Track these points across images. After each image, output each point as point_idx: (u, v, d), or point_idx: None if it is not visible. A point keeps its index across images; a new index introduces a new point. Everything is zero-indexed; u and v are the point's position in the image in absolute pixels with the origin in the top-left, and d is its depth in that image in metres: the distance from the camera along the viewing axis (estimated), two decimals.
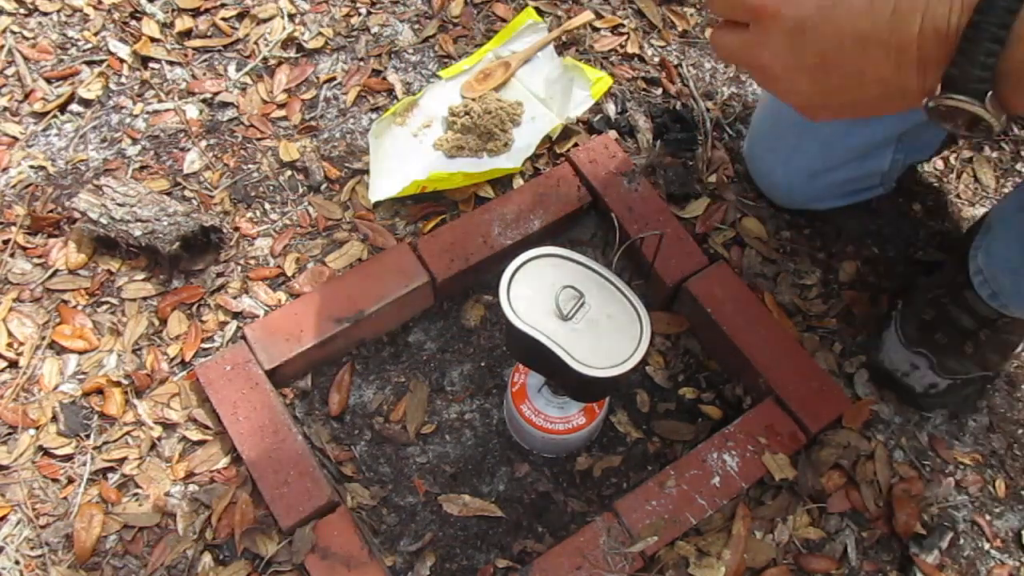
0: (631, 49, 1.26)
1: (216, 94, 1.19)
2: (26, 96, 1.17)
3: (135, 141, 1.15)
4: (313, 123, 1.17)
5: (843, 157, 1.02)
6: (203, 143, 1.15)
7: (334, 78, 1.21)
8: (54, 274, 1.05)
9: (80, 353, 1.01)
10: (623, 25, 1.28)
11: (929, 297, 1.00)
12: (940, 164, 1.19)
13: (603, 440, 1.00)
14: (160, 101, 1.18)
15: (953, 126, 0.49)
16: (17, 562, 0.90)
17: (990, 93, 0.45)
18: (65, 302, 1.03)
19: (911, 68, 0.48)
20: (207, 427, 0.97)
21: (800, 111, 0.55)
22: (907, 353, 0.99)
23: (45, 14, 1.24)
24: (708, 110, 1.20)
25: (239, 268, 1.07)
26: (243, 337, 0.97)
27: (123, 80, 1.20)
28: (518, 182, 1.13)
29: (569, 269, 0.83)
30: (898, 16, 0.47)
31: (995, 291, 0.92)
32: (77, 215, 1.04)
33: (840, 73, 0.50)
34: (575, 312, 0.77)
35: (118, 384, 0.98)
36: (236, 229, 1.09)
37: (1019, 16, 0.44)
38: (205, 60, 1.22)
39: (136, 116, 1.17)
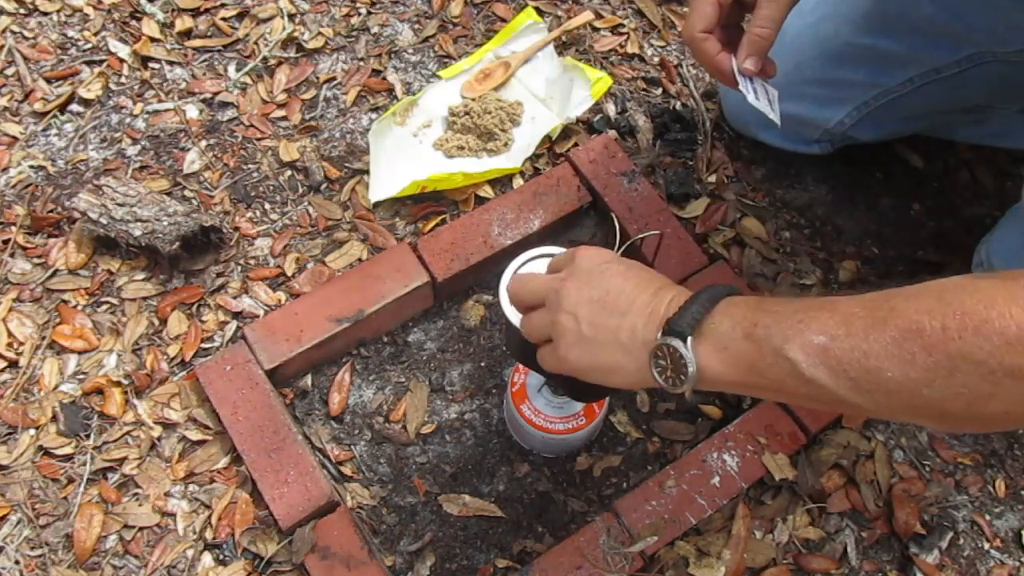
0: (631, 49, 1.26)
1: (216, 94, 1.19)
2: (26, 96, 1.17)
3: (135, 141, 1.15)
4: (313, 123, 1.17)
5: (805, 88, 1.02)
6: (203, 143, 1.15)
7: (334, 78, 1.21)
8: (54, 274, 1.05)
9: (80, 353, 1.01)
10: (623, 25, 1.28)
11: None
12: (940, 164, 1.19)
13: (603, 440, 1.00)
14: (160, 101, 1.18)
15: (661, 372, 0.62)
16: (17, 562, 0.90)
17: (690, 339, 0.60)
18: (65, 302, 1.03)
19: (654, 324, 0.63)
20: (207, 427, 0.97)
21: (566, 340, 0.67)
22: None
23: (45, 14, 1.24)
24: (708, 110, 1.19)
25: (239, 268, 1.07)
26: (243, 337, 0.97)
27: (123, 80, 1.20)
28: (518, 182, 1.13)
29: None
30: (661, 292, 0.65)
31: None
32: (77, 215, 1.04)
33: (610, 315, 0.65)
34: None
35: (118, 384, 0.98)
36: (236, 229, 1.09)
37: (723, 299, 0.62)
38: (205, 60, 1.22)
39: (136, 116, 1.17)
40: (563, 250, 0.80)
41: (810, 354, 0.55)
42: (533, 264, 0.78)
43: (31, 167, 1.12)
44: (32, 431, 0.96)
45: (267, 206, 1.12)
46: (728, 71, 0.79)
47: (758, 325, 0.58)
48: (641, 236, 0.91)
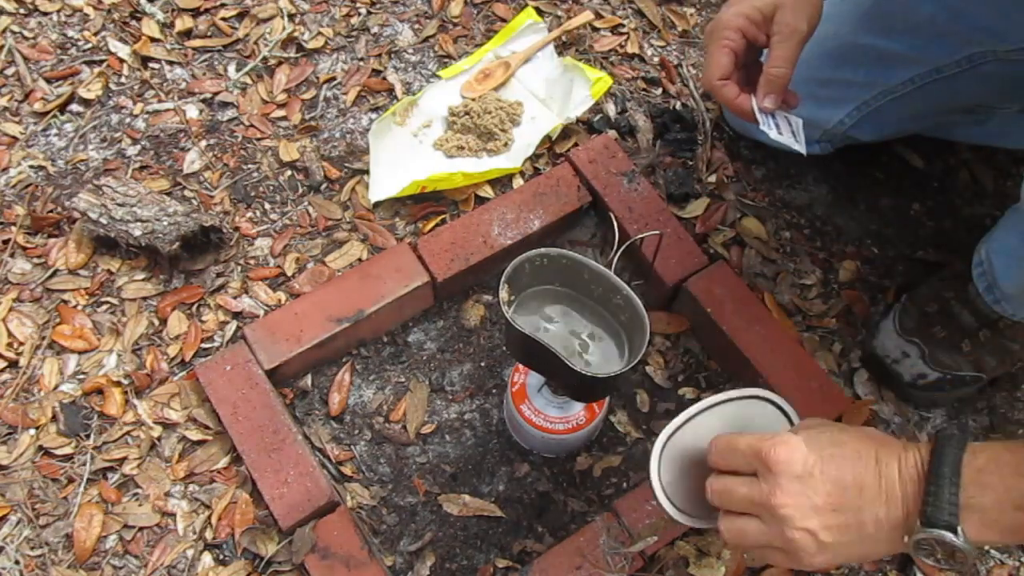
0: (631, 49, 1.26)
1: (216, 94, 1.19)
2: (26, 96, 1.17)
3: (135, 141, 1.15)
4: (313, 123, 1.17)
5: (805, 88, 1.01)
6: (203, 143, 1.15)
7: (334, 78, 1.21)
8: (54, 274, 1.05)
9: (80, 353, 1.01)
10: (623, 25, 1.28)
11: (934, 291, 1.00)
12: (940, 164, 1.19)
13: (603, 440, 1.00)
14: (160, 101, 1.18)
15: (935, 559, 0.59)
16: (17, 562, 0.90)
17: (960, 526, 0.56)
18: (65, 302, 1.03)
19: (897, 506, 0.59)
20: (207, 427, 0.97)
21: (809, 557, 0.62)
22: (899, 340, 0.99)
23: (45, 14, 1.24)
24: (708, 110, 1.19)
25: (239, 268, 1.07)
26: (243, 337, 0.97)
27: (123, 80, 1.20)
28: (518, 182, 1.13)
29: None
30: (882, 463, 0.60)
31: (990, 283, 0.92)
32: (77, 215, 1.04)
33: (844, 512, 0.60)
34: None
35: (118, 384, 0.98)
36: (236, 229, 1.09)
37: (964, 464, 0.57)
38: (205, 60, 1.22)
39: (136, 116, 1.17)
40: (563, 251, 0.80)
41: None
42: (693, 427, 0.73)
43: (31, 167, 1.12)
44: (32, 431, 0.96)
45: (267, 206, 1.12)
46: (749, 111, 0.80)
47: (1018, 492, 0.57)
48: (641, 236, 0.91)
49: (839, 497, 0.61)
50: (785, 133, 0.81)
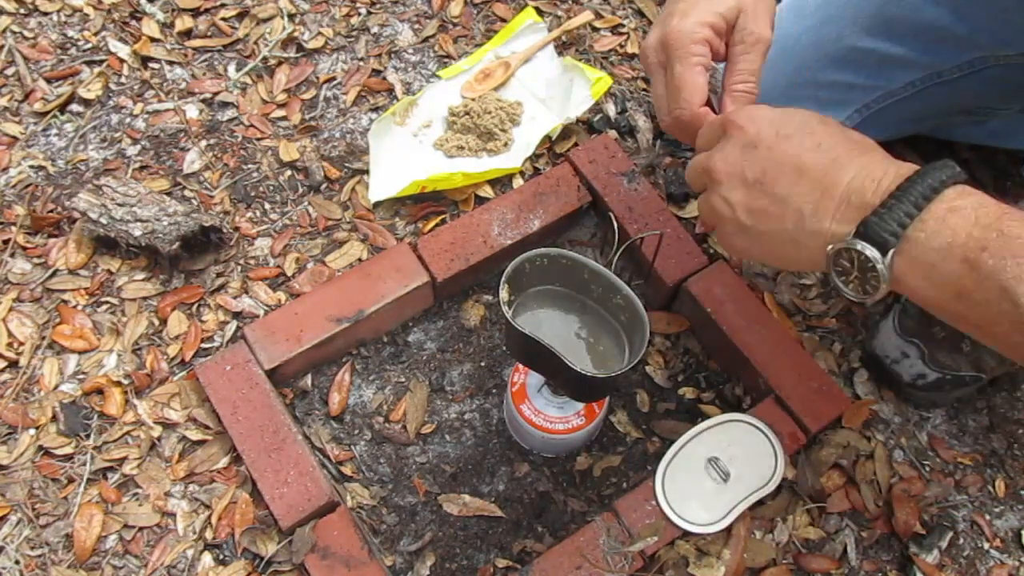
0: (631, 49, 1.26)
1: (216, 94, 1.19)
2: (26, 96, 1.17)
3: (135, 141, 1.15)
4: (313, 123, 1.17)
5: (806, 91, 1.01)
6: (203, 143, 1.15)
7: (334, 78, 1.21)
8: (54, 274, 1.05)
9: (80, 353, 1.01)
10: (623, 25, 1.28)
11: None
12: None
13: (603, 440, 1.00)
14: (160, 101, 1.18)
15: (844, 279, 0.53)
16: (17, 562, 0.90)
17: (892, 252, 0.50)
18: (65, 302, 1.03)
19: (828, 211, 0.53)
20: (207, 427, 0.97)
21: (721, 227, 0.60)
22: (899, 341, 0.99)
23: (45, 14, 1.24)
24: None
25: (239, 268, 1.07)
26: (243, 337, 0.97)
27: (123, 80, 1.20)
28: (518, 182, 1.13)
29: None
30: (836, 164, 0.53)
31: None
32: (77, 215, 1.04)
33: (770, 196, 0.55)
34: None
35: (118, 384, 0.98)
36: (236, 229, 1.09)
37: (940, 195, 0.50)
38: (205, 60, 1.22)
39: (136, 116, 1.17)
40: (563, 251, 0.80)
41: None
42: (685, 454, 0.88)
43: (31, 167, 1.12)
44: (32, 431, 0.96)
45: (267, 206, 1.12)
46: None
47: (987, 251, 0.48)
48: (641, 236, 0.91)
49: (772, 178, 0.55)
50: None
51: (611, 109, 1.20)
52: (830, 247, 0.54)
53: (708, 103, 0.70)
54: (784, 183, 0.54)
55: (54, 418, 0.97)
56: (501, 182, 1.13)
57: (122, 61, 1.21)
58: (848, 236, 0.52)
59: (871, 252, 0.51)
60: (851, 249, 0.52)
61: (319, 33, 1.24)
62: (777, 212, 0.55)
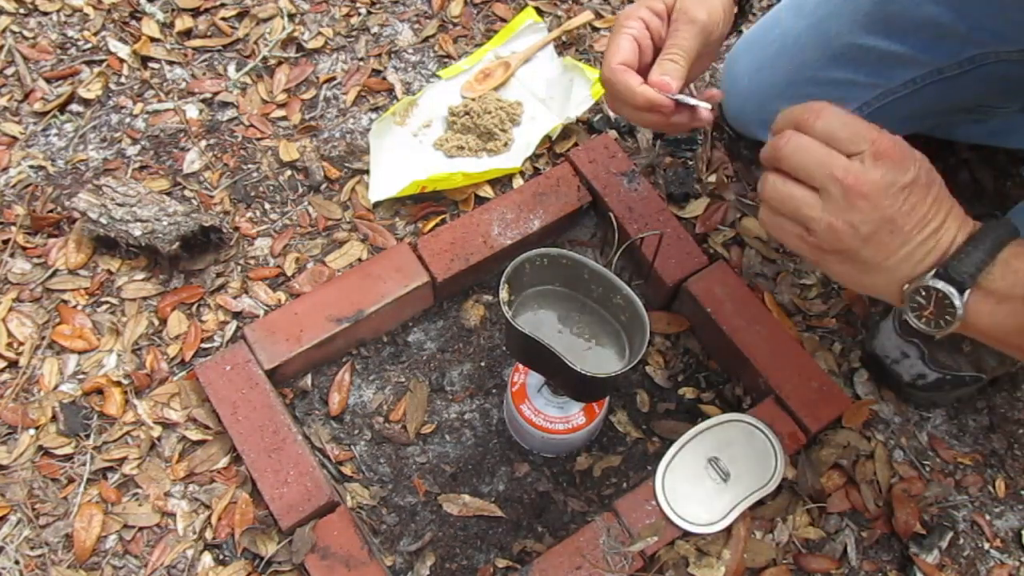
0: None
1: (216, 94, 1.19)
2: (26, 96, 1.17)
3: (135, 141, 1.15)
4: (313, 123, 1.17)
5: (806, 89, 1.01)
6: (203, 143, 1.15)
7: (334, 78, 1.21)
8: (54, 274, 1.05)
9: (80, 353, 1.01)
10: None
11: None
12: (940, 164, 1.19)
13: (603, 440, 1.00)
14: (160, 101, 1.18)
15: (918, 312, 0.62)
16: (17, 562, 0.90)
17: (968, 291, 0.59)
18: (65, 302, 1.03)
19: (921, 253, 0.61)
20: (207, 427, 0.97)
21: (829, 240, 0.62)
22: (899, 341, 0.99)
23: (45, 14, 1.24)
24: (708, 110, 1.19)
25: (239, 268, 1.07)
26: (243, 337, 0.97)
27: (123, 80, 1.20)
28: (518, 182, 1.13)
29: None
30: (946, 221, 0.61)
31: None
32: (77, 215, 1.04)
33: (895, 234, 0.60)
34: None
35: (118, 384, 0.98)
36: (236, 229, 1.09)
37: (1007, 245, 0.60)
38: (205, 60, 1.22)
39: (136, 116, 1.17)
40: (563, 251, 0.80)
41: None
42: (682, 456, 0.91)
43: (31, 167, 1.12)
44: (32, 431, 0.96)
45: (267, 206, 1.12)
46: (657, 97, 0.72)
47: None
48: (641, 236, 0.91)
49: (904, 220, 0.60)
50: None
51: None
52: (907, 286, 0.62)
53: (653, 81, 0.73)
54: (910, 227, 0.60)
55: (54, 418, 0.97)
56: (501, 182, 1.13)
57: (122, 61, 1.21)
58: (928, 276, 0.60)
59: (950, 290, 0.59)
60: (930, 287, 0.60)
61: (319, 33, 1.24)
62: (895, 246, 0.61)
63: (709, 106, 0.73)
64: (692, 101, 0.72)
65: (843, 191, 0.59)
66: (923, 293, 0.60)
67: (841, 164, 0.60)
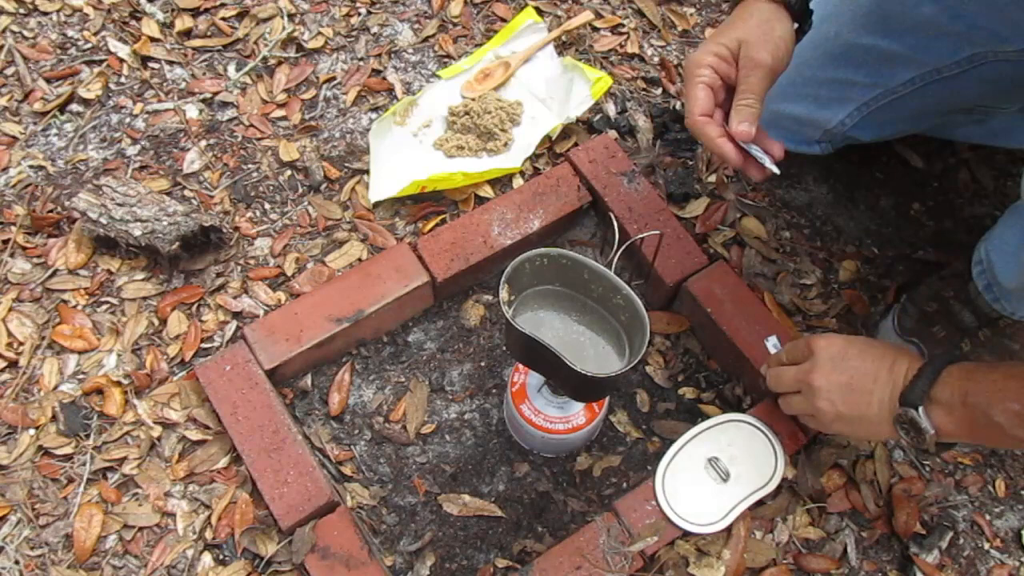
0: (631, 49, 1.26)
1: (216, 94, 1.19)
2: (26, 96, 1.17)
3: (135, 141, 1.15)
4: (313, 123, 1.17)
5: (806, 89, 1.02)
6: (203, 143, 1.15)
7: (334, 78, 1.21)
8: (54, 274, 1.05)
9: (80, 353, 1.01)
10: (623, 25, 1.28)
11: (934, 290, 1.00)
12: (940, 164, 1.19)
13: (603, 440, 1.00)
14: (160, 101, 1.18)
15: (908, 437, 0.78)
16: (17, 562, 0.90)
17: (923, 408, 0.75)
18: (65, 302, 1.03)
19: (895, 395, 0.78)
20: (207, 427, 0.97)
21: (824, 419, 0.84)
22: (899, 340, 0.99)
23: (45, 14, 1.24)
24: (774, 166, 1.19)
25: (239, 268, 1.07)
26: (243, 337, 0.97)
27: (123, 80, 1.20)
28: (518, 182, 1.13)
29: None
30: (895, 365, 0.80)
31: (989, 281, 0.93)
32: (77, 215, 1.04)
33: (859, 393, 0.81)
34: None
35: (118, 384, 0.98)
36: (236, 229, 1.09)
37: (945, 370, 0.76)
38: (205, 60, 1.22)
39: (136, 116, 1.17)
40: (563, 250, 0.80)
41: (1010, 417, 0.70)
42: (683, 455, 0.94)
43: (31, 167, 1.12)
44: (32, 431, 0.96)
45: (267, 206, 1.12)
46: (730, 154, 0.79)
47: (969, 393, 0.73)
48: (641, 236, 0.91)
49: (859, 381, 0.81)
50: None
51: (611, 109, 1.20)
52: (894, 416, 0.78)
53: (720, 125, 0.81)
54: (867, 383, 0.80)
55: (54, 418, 0.97)
56: (501, 182, 1.13)
57: (122, 61, 1.21)
58: (897, 406, 0.77)
59: (911, 412, 0.76)
60: (903, 414, 0.77)
61: (319, 33, 1.24)
62: (866, 402, 0.80)
63: (777, 171, 0.80)
64: (759, 155, 0.80)
65: (807, 387, 0.85)
66: (902, 420, 0.77)
67: (794, 372, 0.87)
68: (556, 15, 1.28)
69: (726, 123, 0.80)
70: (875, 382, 0.80)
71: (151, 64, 1.21)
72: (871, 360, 0.81)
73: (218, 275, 1.06)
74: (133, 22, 1.24)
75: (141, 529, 0.92)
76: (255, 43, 1.23)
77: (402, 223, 1.10)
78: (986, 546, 0.97)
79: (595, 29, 1.28)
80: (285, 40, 1.23)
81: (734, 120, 0.79)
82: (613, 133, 1.17)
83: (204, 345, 1.02)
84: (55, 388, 0.98)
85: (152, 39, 1.22)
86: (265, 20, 1.25)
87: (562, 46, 1.25)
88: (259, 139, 1.16)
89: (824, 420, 0.84)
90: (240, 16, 1.25)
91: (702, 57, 0.81)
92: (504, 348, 1.04)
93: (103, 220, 1.02)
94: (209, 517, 0.93)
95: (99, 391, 0.98)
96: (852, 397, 0.81)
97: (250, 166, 1.14)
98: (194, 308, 1.04)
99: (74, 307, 1.03)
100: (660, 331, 1.06)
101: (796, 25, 0.83)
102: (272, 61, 1.22)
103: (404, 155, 1.14)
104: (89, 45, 1.22)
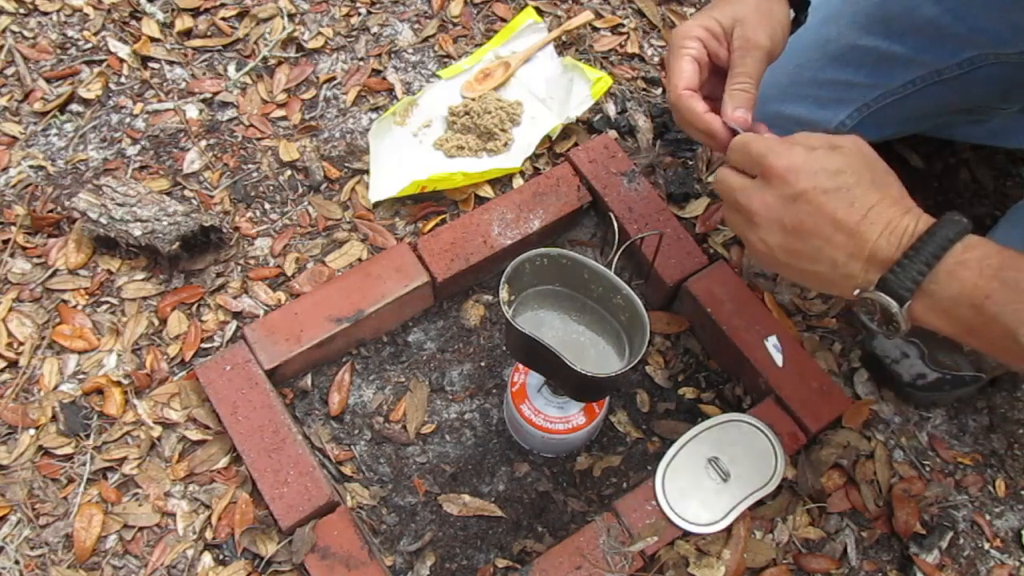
0: (631, 49, 1.26)
1: (216, 94, 1.19)
2: (26, 96, 1.17)
3: (135, 141, 1.15)
4: (313, 123, 1.17)
5: (806, 89, 1.01)
6: (203, 143, 1.15)
7: (334, 78, 1.21)
8: (54, 274, 1.05)
9: (80, 353, 1.01)
10: (623, 25, 1.28)
11: None
12: (940, 164, 1.19)
13: (603, 440, 1.00)
14: (160, 101, 1.18)
15: (869, 316, 0.62)
16: (17, 562, 0.90)
17: (908, 303, 0.59)
18: (65, 302, 1.03)
19: (858, 263, 0.61)
20: (207, 427, 0.97)
21: (757, 257, 0.66)
22: (899, 340, 1.00)
23: (45, 14, 1.24)
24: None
25: (239, 268, 1.07)
26: (243, 337, 0.97)
27: (123, 80, 1.20)
28: (518, 182, 1.13)
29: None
30: (867, 221, 0.60)
31: None
32: (77, 215, 1.04)
33: (806, 242, 0.62)
34: None
35: (118, 384, 0.98)
36: (236, 229, 1.09)
37: (949, 251, 0.58)
38: (205, 60, 1.22)
39: (136, 116, 1.17)
40: (563, 251, 0.80)
41: None
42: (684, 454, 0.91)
43: (31, 167, 1.12)
44: (32, 431, 0.96)
45: (267, 206, 1.12)
46: (717, 130, 0.73)
47: (990, 299, 0.57)
48: (641, 236, 0.91)
49: (811, 227, 0.61)
50: None
51: (611, 109, 1.20)
52: (856, 291, 0.62)
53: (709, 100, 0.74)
54: (820, 235, 0.61)
55: (54, 418, 0.97)
56: (501, 182, 1.13)
57: (122, 61, 1.21)
58: (871, 286, 0.60)
59: (892, 306, 0.59)
60: (873, 300, 0.60)
61: (319, 33, 1.24)
62: (811, 256, 0.62)
63: None
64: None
65: (744, 210, 0.65)
66: (867, 303, 0.61)
67: (737, 184, 0.66)
68: (556, 15, 1.28)
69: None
70: (833, 236, 0.61)
71: (151, 64, 1.21)
72: (839, 205, 0.61)
73: (218, 275, 1.06)
74: (133, 22, 1.24)
75: (141, 529, 0.92)
76: (255, 43, 1.23)
77: (402, 223, 1.10)
78: (986, 546, 0.97)
79: (595, 29, 1.28)
80: (285, 40, 1.23)
81: (728, 105, 0.72)
82: (613, 133, 1.17)
83: (204, 345, 1.02)
84: (55, 388, 0.98)
85: (152, 39, 1.22)
86: (265, 20, 1.25)
87: (562, 46, 1.25)
88: (259, 139, 1.16)
89: (757, 257, 0.66)
90: (240, 16, 1.25)
91: (691, 29, 0.74)
92: (504, 348, 1.04)
93: (103, 220, 1.02)
94: (209, 517, 0.93)
95: (99, 391, 0.98)
96: (797, 245, 0.62)
97: (250, 166, 1.14)
98: (194, 308, 1.04)
99: (74, 307, 1.03)
100: (660, 331, 1.06)
101: (793, 15, 0.78)
102: (272, 61, 1.22)
103: (404, 155, 1.14)
104: (89, 45, 1.22)
